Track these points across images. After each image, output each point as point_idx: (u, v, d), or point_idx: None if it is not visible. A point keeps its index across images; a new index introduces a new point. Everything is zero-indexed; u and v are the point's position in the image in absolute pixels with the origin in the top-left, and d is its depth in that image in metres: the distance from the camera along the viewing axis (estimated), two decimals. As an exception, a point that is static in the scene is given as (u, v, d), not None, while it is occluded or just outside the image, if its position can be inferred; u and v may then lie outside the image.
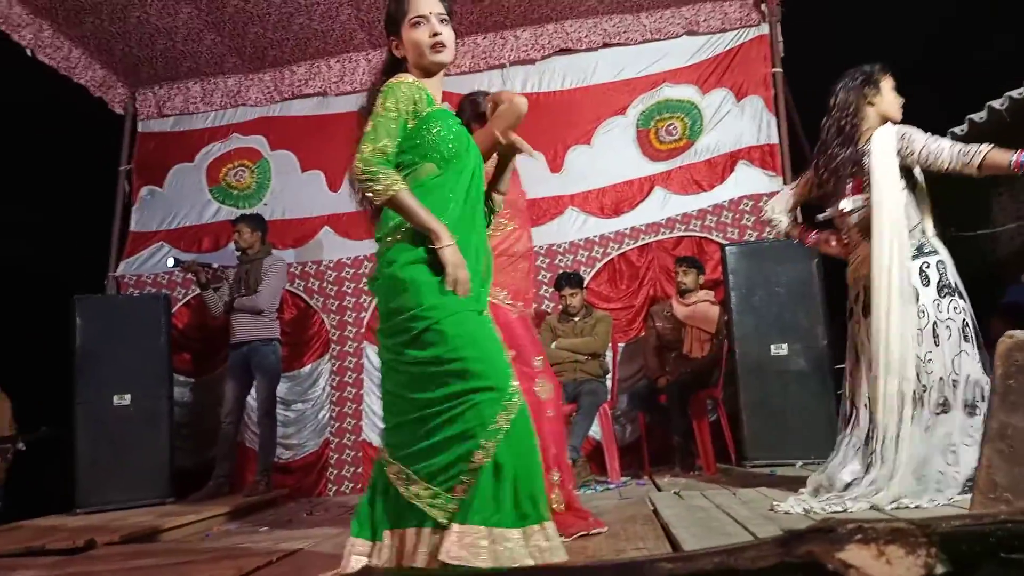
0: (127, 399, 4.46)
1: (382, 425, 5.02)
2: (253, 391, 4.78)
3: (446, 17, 2.02)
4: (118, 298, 5.27)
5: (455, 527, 1.77)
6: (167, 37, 5.00)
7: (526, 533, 1.80)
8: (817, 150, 2.98)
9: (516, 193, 2.78)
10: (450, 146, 1.96)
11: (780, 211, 3.12)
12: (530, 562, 1.76)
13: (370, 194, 1.89)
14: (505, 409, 1.82)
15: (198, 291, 4.91)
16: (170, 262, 5.02)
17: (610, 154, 5.19)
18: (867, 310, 2.75)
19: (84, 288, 4.86)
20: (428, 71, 2.02)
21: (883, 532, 0.48)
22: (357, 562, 1.89)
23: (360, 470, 5.11)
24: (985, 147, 2.61)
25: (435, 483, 1.82)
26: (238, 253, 4.81)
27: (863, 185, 2.81)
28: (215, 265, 4.92)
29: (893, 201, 2.72)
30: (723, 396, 4.49)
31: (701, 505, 3.15)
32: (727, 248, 4.50)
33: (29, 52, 4.70)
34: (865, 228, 2.79)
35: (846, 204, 2.86)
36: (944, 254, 2.76)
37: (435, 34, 1.97)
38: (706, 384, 4.46)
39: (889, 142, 2.77)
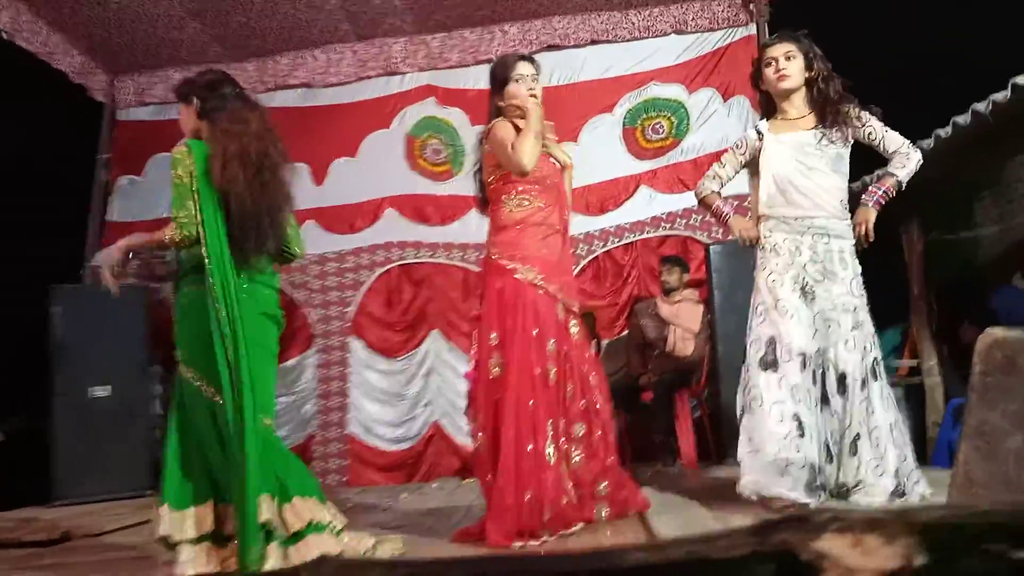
0: (107, 390, 4.41)
1: (367, 420, 5.05)
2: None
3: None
4: (96, 288, 5.20)
5: None
6: (148, 24, 4.92)
7: None
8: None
9: (547, 169, 2.78)
10: None
11: None
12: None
13: None
14: None
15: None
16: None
17: (596, 152, 5.18)
18: None
19: (62, 278, 4.77)
20: None
21: (860, 521, 0.47)
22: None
23: (347, 463, 5.09)
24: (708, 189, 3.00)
25: None
26: None
27: None
28: (168, 258, 4.84)
29: None
30: (706, 395, 4.50)
31: (681, 501, 3.16)
32: (711, 247, 4.52)
33: (5, 36, 4.61)
34: None
35: None
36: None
37: None
38: (689, 382, 4.47)
39: None
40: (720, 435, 4.31)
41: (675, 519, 2.75)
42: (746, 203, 3.17)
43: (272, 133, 2.50)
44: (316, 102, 5.55)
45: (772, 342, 2.65)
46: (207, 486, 2.36)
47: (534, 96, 2.75)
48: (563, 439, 2.64)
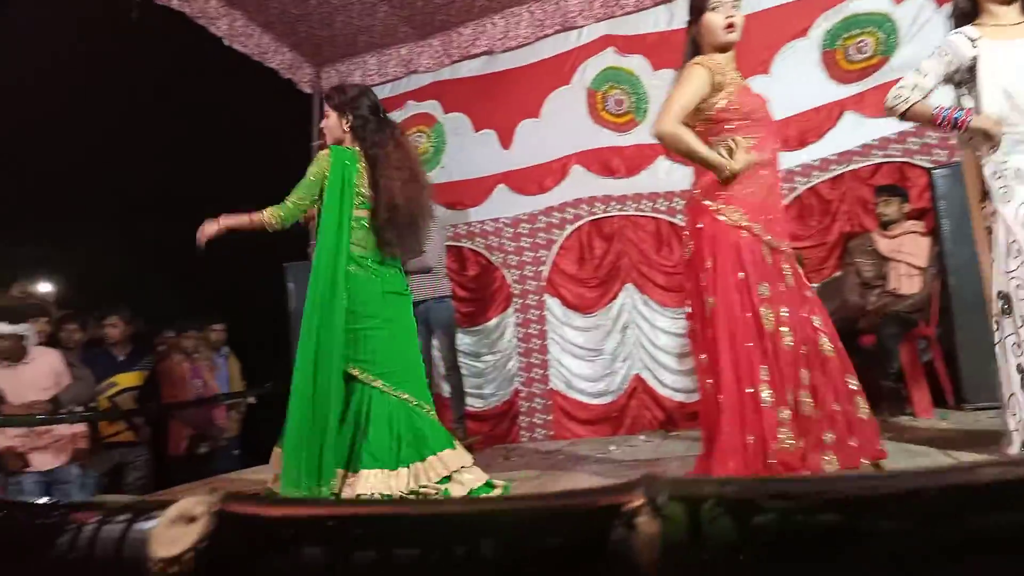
0: (337, 355, 4.86)
1: (568, 375, 5.20)
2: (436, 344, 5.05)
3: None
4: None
5: None
6: (345, 14, 5.26)
7: None
8: None
9: (752, 103, 2.61)
10: None
11: None
12: None
13: None
14: None
15: None
16: None
17: (791, 81, 4.81)
18: None
19: (292, 257, 5.30)
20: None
21: None
22: None
23: (551, 418, 5.27)
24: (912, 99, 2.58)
25: None
26: None
27: None
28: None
29: None
30: (937, 334, 4.11)
31: (921, 450, 2.94)
32: (935, 172, 4.07)
33: (226, 42, 5.10)
34: None
35: None
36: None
37: None
38: (916, 323, 4.09)
39: None
40: (957, 378, 3.93)
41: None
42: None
43: (417, 152, 3.08)
44: (497, 68, 5.65)
45: None
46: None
47: (732, 25, 2.59)
48: (784, 385, 2.53)
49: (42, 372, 4.20)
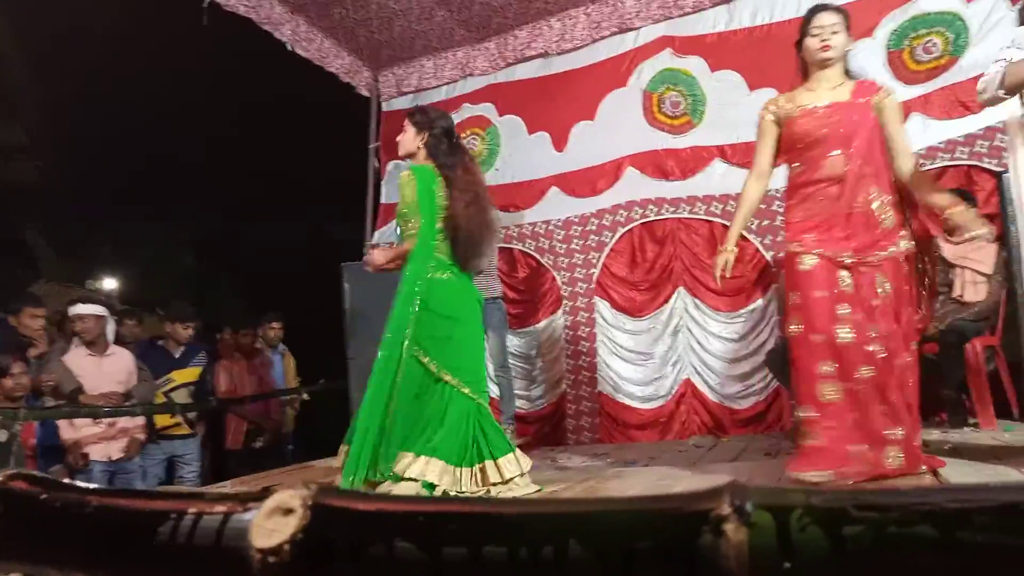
0: (392, 354, 4.93)
1: (616, 378, 5.17)
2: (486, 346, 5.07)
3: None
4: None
5: None
6: (403, 18, 5.33)
7: None
8: None
9: (804, 127, 2.77)
10: None
11: None
12: None
13: None
14: None
15: None
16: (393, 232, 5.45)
17: (856, 82, 4.70)
18: None
19: (349, 257, 5.39)
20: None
21: None
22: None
23: (598, 421, 5.24)
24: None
25: None
26: None
27: None
28: None
29: None
30: (1002, 344, 3.97)
31: (986, 464, 2.84)
32: (1004, 176, 3.93)
33: (289, 47, 5.22)
34: None
35: None
36: None
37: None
38: (982, 331, 3.96)
39: None
40: (1022, 389, 3.80)
41: (980, 480, 2.49)
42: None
43: (483, 176, 3.32)
44: (553, 70, 5.65)
45: None
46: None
47: (827, 47, 2.73)
48: (843, 384, 2.63)
49: (120, 367, 4.44)
